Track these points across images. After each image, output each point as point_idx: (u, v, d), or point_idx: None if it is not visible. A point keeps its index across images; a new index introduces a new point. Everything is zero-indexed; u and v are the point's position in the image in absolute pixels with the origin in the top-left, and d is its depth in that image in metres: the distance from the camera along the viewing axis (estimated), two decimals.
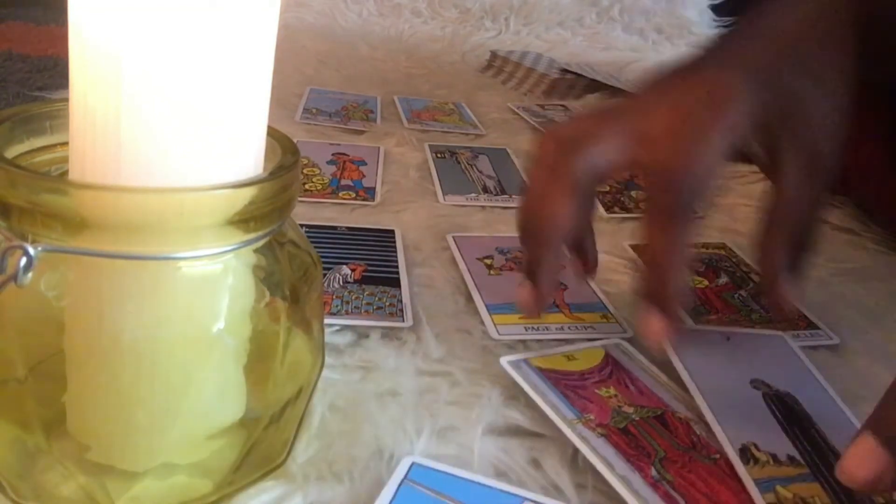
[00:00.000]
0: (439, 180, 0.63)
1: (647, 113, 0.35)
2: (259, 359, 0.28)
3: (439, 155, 0.70)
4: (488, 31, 1.34)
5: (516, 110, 0.88)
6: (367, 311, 0.42)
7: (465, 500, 0.27)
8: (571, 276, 0.48)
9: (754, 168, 0.63)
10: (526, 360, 0.36)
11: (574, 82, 1.00)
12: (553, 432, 0.33)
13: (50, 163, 0.28)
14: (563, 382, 0.35)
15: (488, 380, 0.37)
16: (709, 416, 0.33)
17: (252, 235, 0.26)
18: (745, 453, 0.31)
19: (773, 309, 0.37)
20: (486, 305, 0.43)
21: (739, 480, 0.30)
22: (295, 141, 0.30)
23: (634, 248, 0.52)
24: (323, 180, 0.61)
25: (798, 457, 0.32)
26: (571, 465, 0.31)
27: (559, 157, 0.35)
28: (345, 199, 0.58)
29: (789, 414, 0.34)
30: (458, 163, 0.68)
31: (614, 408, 0.34)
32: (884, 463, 0.25)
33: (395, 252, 0.49)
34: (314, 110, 0.80)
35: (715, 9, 1.44)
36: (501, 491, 0.28)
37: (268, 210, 0.26)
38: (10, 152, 0.27)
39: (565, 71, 1.02)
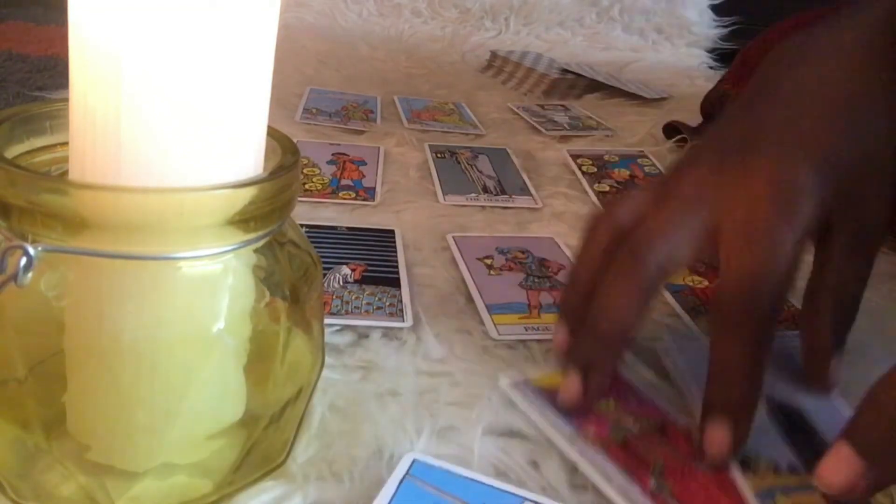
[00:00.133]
0: (439, 180, 0.63)
1: (716, 208, 0.34)
2: (259, 359, 0.28)
3: (439, 155, 0.70)
4: (488, 31, 1.34)
5: (516, 110, 0.88)
6: (367, 311, 0.42)
7: (465, 499, 0.27)
8: None
9: None
10: (525, 381, 0.36)
11: (574, 82, 1.00)
12: None
13: (50, 163, 0.28)
14: None
15: (488, 380, 0.37)
16: None
17: (252, 235, 0.26)
18: (746, 463, 0.31)
19: (815, 381, 0.36)
20: (487, 305, 0.43)
21: (740, 490, 0.30)
22: (295, 141, 0.30)
23: None
24: (323, 180, 0.61)
25: (799, 466, 0.32)
26: (571, 467, 0.31)
27: (629, 258, 0.34)
28: (345, 199, 0.58)
29: (791, 423, 0.34)
30: (458, 163, 0.68)
31: (613, 421, 0.33)
32: (858, 471, 0.26)
33: (395, 252, 0.49)
34: (314, 110, 0.80)
35: (715, 9, 1.44)
36: (502, 490, 0.28)
37: (268, 210, 0.26)
38: (10, 152, 0.27)
39: (565, 71, 1.02)
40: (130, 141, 0.24)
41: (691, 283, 0.48)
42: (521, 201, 0.61)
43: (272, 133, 0.29)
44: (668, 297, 0.46)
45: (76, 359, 0.26)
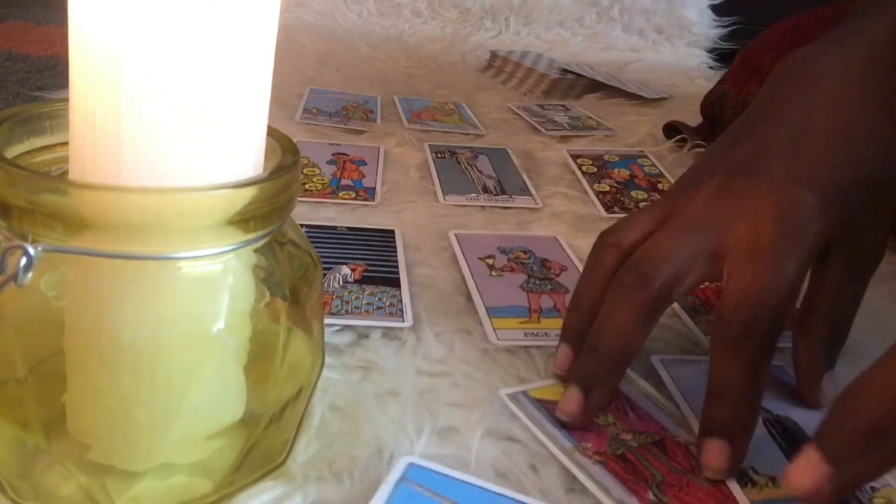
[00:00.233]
0: (439, 180, 0.63)
1: (721, 231, 0.34)
2: (259, 359, 0.28)
3: (439, 155, 0.70)
4: (488, 31, 1.34)
5: (516, 110, 0.88)
6: (367, 311, 0.42)
7: (461, 502, 0.27)
8: (571, 279, 0.48)
9: None
10: (524, 392, 0.36)
11: (574, 82, 1.00)
12: None
13: (50, 163, 0.28)
14: None
15: (488, 382, 0.37)
16: None
17: (252, 235, 0.26)
18: (744, 477, 0.31)
19: (807, 397, 0.37)
20: (486, 309, 0.43)
21: (738, 503, 0.30)
22: (295, 141, 0.30)
23: None
24: (323, 180, 0.61)
25: None
26: (570, 471, 0.31)
27: (634, 278, 0.34)
28: (345, 199, 0.58)
29: (789, 436, 0.34)
30: (458, 163, 0.68)
31: (612, 435, 0.33)
32: (825, 476, 0.26)
33: (395, 252, 0.49)
34: (314, 110, 0.80)
35: (715, 9, 1.44)
36: (497, 493, 0.28)
37: (268, 210, 0.26)
38: (10, 152, 0.27)
39: (565, 71, 1.02)
40: (130, 141, 0.24)
41: None
42: (521, 201, 0.61)
43: (272, 133, 0.29)
44: None
45: (76, 359, 0.26)
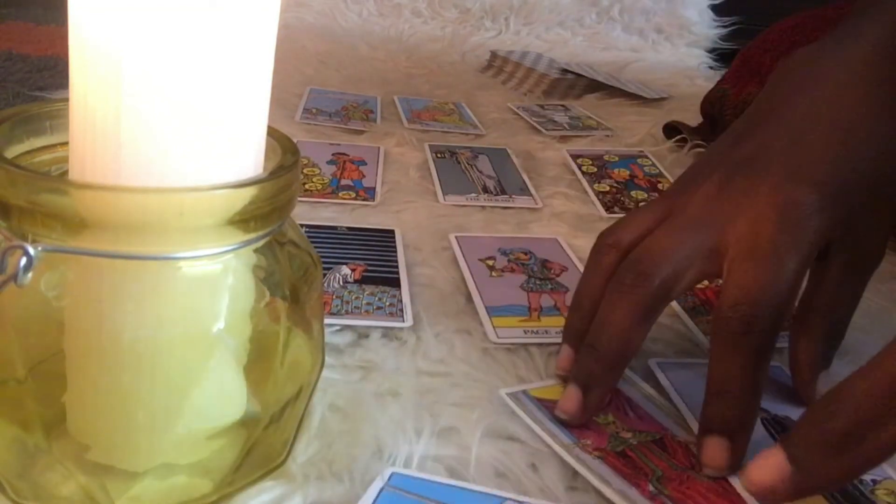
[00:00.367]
0: (439, 180, 0.63)
1: (721, 228, 0.34)
2: (259, 359, 0.28)
3: (439, 155, 0.70)
4: (488, 31, 1.34)
5: (516, 110, 0.88)
6: (367, 311, 0.42)
7: (446, 500, 0.27)
8: (571, 279, 0.48)
9: None
10: (524, 392, 0.36)
11: (574, 82, 1.00)
12: None
13: (50, 163, 0.28)
14: None
15: (488, 382, 0.37)
16: None
17: (252, 235, 0.26)
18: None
19: (803, 395, 0.37)
20: (486, 308, 0.43)
21: (740, 496, 0.30)
22: (295, 141, 0.30)
23: None
24: (323, 180, 0.61)
25: None
26: (570, 470, 0.31)
27: (633, 276, 0.34)
28: (345, 199, 0.58)
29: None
30: (458, 163, 0.68)
31: (612, 433, 0.33)
32: (783, 475, 0.26)
33: (395, 252, 0.49)
34: (314, 110, 0.80)
35: (715, 9, 1.44)
36: (482, 493, 0.28)
37: (268, 210, 0.26)
38: (10, 152, 0.27)
39: (565, 71, 1.02)
40: (130, 141, 0.24)
41: None
42: (521, 201, 0.61)
43: (272, 133, 0.29)
44: None
45: (76, 359, 0.26)
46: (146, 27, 0.23)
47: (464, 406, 0.35)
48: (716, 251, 0.34)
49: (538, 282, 0.47)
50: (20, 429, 0.27)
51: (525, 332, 0.41)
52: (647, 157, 0.72)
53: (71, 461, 0.27)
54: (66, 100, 0.25)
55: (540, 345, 0.40)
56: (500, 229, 0.55)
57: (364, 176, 0.63)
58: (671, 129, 0.77)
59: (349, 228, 0.52)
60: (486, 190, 0.62)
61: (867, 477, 0.31)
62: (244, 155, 0.26)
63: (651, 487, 0.30)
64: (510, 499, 0.28)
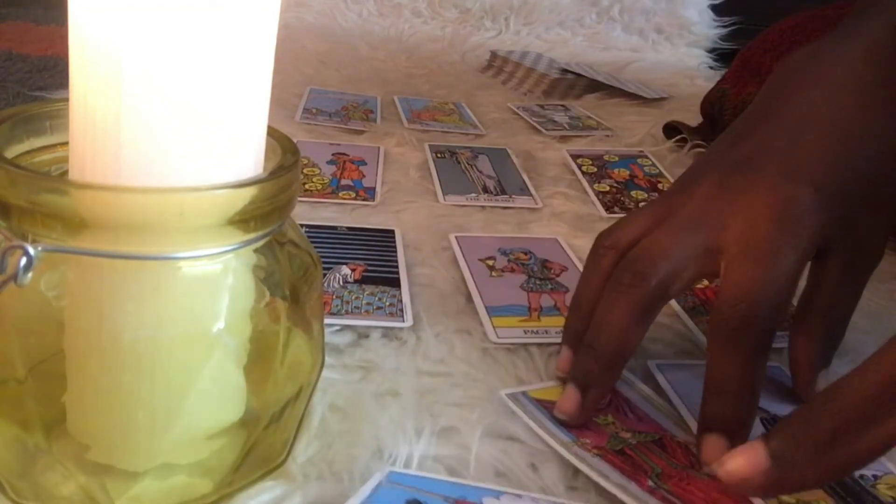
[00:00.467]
0: (439, 180, 0.63)
1: (718, 226, 0.34)
2: (259, 359, 0.28)
3: (439, 155, 0.70)
4: (488, 31, 1.34)
5: (516, 110, 0.88)
6: (367, 311, 0.42)
7: (434, 491, 0.28)
8: (571, 279, 0.48)
9: None
10: (524, 393, 0.36)
11: (574, 82, 1.00)
12: None
13: (50, 163, 0.28)
14: None
15: (488, 382, 0.37)
16: None
17: (252, 235, 0.26)
18: None
19: (803, 395, 0.37)
20: (486, 308, 0.43)
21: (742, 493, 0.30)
22: (295, 141, 0.30)
23: None
24: (323, 180, 0.61)
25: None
26: (570, 470, 0.31)
27: (630, 276, 0.34)
28: (345, 199, 0.58)
29: None
30: (458, 163, 0.68)
31: (612, 434, 0.33)
32: (760, 468, 0.26)
33: (395, 252, 0.49)
34: (314, 110, 0.80)
35: (715, 9, 1.44)
36: (478, 487, 0.29)
37: (268, 210, 0.26)
38: (10, 152, 0.27)
39: (565, 71, 1.02)
40: (130, 141, 0.24)
41: None
42: (521, 201, 0.61)
43: (272, 133, 0.29)
44: None
45: (76, 359, 0.26)
46: (146, 27, 0.23)
47: (464, 406, 0.35)
48: (713, 250, 0.34)
49: (538, 282, 0.47)
50: (20, 429, 0.27)
51: (525, 332, 0.41)
52: (647, 157, 0.72)
53: (71, 461, 0.27)
54: (66, 100, 0.25)
55: (540, 345, 0.40)
56: (500, 229, 0.55)
57: (364, 176, 0.63)
58: (671, 129, 0.77)
59: (349, 228, 0.52)
60: (486, 190, 0.62)
61: (868, 472, 0.32)
62: (244, 155, 0.26)
63: (650, 482, 0.30)
64: (507, 492, 0.28)
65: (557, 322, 0.42)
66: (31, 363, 0.26)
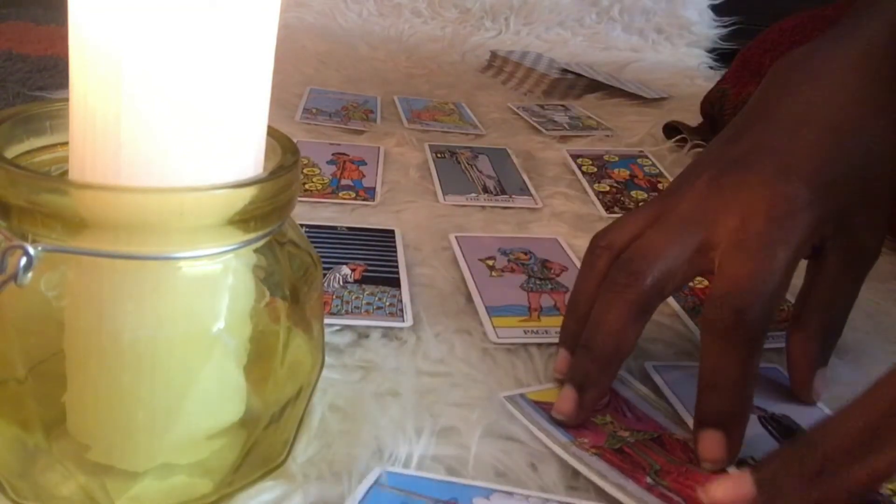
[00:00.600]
0: (439, 180, 0.63)
1: (712, 224, 0.34)
2: (259, 359, 0.28)
3: (439, 155, 0.70)
4: (488, 31, 1.34)
5: (516, 110, 0.88)
6: (367, 311, 0.42)
7: (425, 493, 0.28)
8: (571, 279, 0.48)
9: None
10: (522, 395, 0.36)
11: (574, 82, 1.00)
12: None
13: (50, 163, 0.28)
14: None
15: (488, 382, 0.37)
16: None
17: (252, 235, 0.26)
18: (743, 465, 0.31)
19: (800, 394, 0.37)
20: (486, 308, 0.43)
21: None
22: (295, 141, 0.30)
23: None
24: (323, 180, 0.61)
25: None
26: (569, 469, 0.31)
27: (625, 276, 0.34)
28: (345, 199, 0.58)
29: (786, 432, 0.34)
30: (458, 163, 0.68)
31: (610, 433, 0.33)
32: (746, 496, 0.26)
33: (395, 252, 0.49)
34: (314, 110, 0.80)
35: (715, 9, 1.44)
36: (470, 486, 0.29)
37: (268, 210, 0.26)
38: (10, 152, 0.27)
39: (565, 71, 1.02)
40: (130, 141, 0.24)
41: (691, 283, 0.48)
42: (521, 201, 0.61)
43: (272, 133, 0.29)
44: None
45: (76, 359, 0.26)
46: (146, 27, 0.23)
47: (464, 406, 0.35)
48: (707, 247, 0.34)
49: (538, 282, 0.47)
50: (20, 429, 0.27)
51: (525, 331, 0.41)
52: (647, 157, 0.72)
53: (71, 461, 0.27)
54: (66, 100, 0.25)
55: (540, 345, 0.40)
56: (500, 229, 0.55)
57: (364, 176, 0.63)
58: (671, 129, 0.77)
59: (349, 228, 0.52)
60: (486, 190, 0.62)
61: None
62: (244, 155, 0.26)
63: (649, 479, 0.30)
64: (497, 489, 0.28)
65: (557, 322, 0.42)
66: (31, 363, 0.26)
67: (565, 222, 0.57)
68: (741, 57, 0.77)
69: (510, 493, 0.29)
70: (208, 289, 0.26)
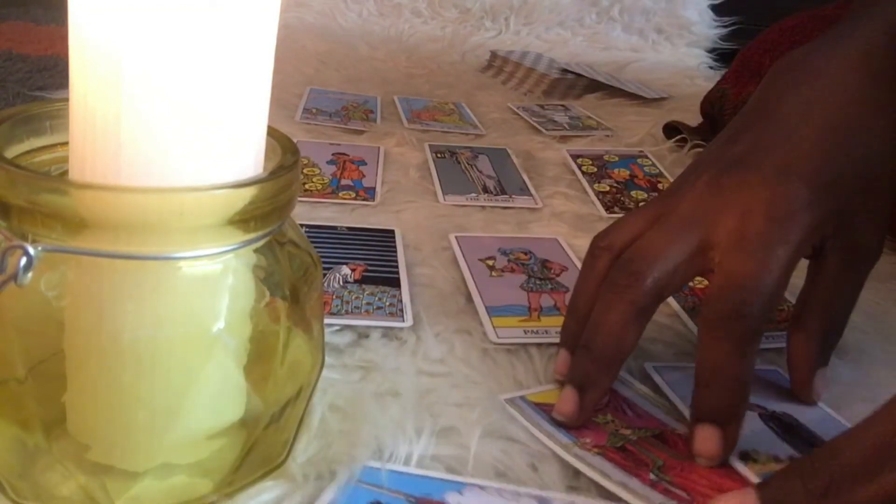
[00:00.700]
0: (439, 180, 0.63)
1: (712, 223, 0.34)
2: (259, 359, 0.28)
3: (439, 155, 0.70)
4: (488, 31, 1.34)
5: (516, 110, 0.88)
6: (367, 311, 0.42)
7: (408, 491, 0.28)
8: (571, 279, 0.48)
9: None
10: (522, 397, 0.36)
11: (574, 82, 1.00)
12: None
13: (50, 163, 0.28)
14: None
15: (488, 382, 0.37)
16: None
17: (252, 235, 0.26)
18: (746, 457, 0.31)
19: (800, 393, 0.37)
20: (486, 308, 0.43)
21: (742, 476, 0.30)
22: (295, 141, 0.30)
23: None
24: (323, 180, 0.61)
25: (800, 456, 0.32)
26: (570, 469, 0.31)
27: (625, 276, 0.34)
28: (345, 199, 0.58)
29: (788, 428, 0.34)
30: (458, 163, 0.68)
31: (611, 431, 0.33)
32: None
33: (395, 252, 0.49)
34: (314, 110, 0.80)
35: (715, 9, 1.44)
36: (444, 480, 0.29)
37: (268, 210, 0.26)
38: (10, 152, 0.27)
39: (565, 71, 1.02)
40: (130, 141, 0.24)
41: (691, 283, 0.48)
42: (521, 201, 0.61)
43: (272, 133, 0.29)
44: None
45: (76, 359, 0.26)
46: (146, 27, 0.23)
47: (464, 406, 0.35)
48: (707, 246, 0.34)
49: (538, 282, 0.47)
50: (20, 429, 0.27)
51: (525, 332, 0.41)
52: (647, 157, 0.72)
53: (71, 461, 0.27)
54: (66, 100, 0.25)
55: (540, 345, 0.40)
56: (500, 229, 0.55)
57: (364, 176, 0.63)
58: (671, 129, 0.77)
59: (349, 228, 0.52)
60: (486, 190, 0.62)
61: None
62: (244, 155, 0.26)
63: (652, 476, 0.30)
64: (470, 483, 0.29)
65: (557, 322, 0.42)
66: (31, 363, 0.26)
67: (565, 222, 0.57)
68: (741, 57, 0.77)
69: (483, 487, 0.29)
70: (208, 289, 0.26)
